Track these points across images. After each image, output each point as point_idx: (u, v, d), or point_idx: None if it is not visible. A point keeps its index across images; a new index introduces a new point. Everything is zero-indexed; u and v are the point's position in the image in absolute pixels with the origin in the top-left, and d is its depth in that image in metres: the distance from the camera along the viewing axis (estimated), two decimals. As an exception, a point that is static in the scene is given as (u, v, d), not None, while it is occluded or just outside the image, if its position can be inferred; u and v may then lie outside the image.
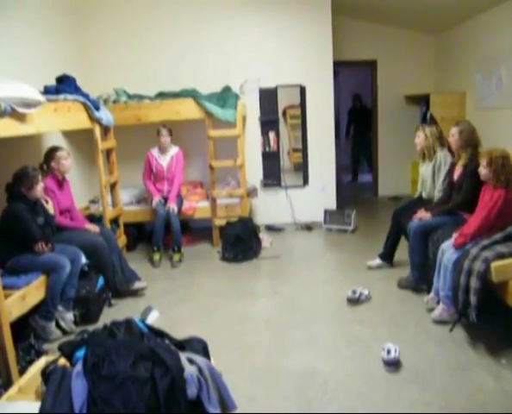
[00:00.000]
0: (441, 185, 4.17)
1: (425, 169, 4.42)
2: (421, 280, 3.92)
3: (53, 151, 4.06)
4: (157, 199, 5.16)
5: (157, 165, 5.31)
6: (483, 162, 3.29)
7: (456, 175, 3.93)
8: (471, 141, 3.81)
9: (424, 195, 4.44)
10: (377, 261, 4.57)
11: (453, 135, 3.89)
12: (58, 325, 3.56)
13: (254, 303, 4.03)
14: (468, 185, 3.73)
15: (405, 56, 7.38)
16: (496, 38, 5.49)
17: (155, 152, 5.35)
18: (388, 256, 4.56)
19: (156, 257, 5.08)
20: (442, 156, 4.24)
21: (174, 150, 5.38)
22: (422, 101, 7.08)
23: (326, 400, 2.62)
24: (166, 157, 5.33)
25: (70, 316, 3.63)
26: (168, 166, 5.32)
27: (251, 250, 5.14)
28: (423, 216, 3.92)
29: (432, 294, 3.57)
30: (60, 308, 3.57)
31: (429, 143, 4.29)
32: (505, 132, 5.31)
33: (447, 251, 3.33)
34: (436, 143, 4.28)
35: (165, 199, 5.27)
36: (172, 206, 5.09)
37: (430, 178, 4.33)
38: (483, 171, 3.30)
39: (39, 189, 3.47)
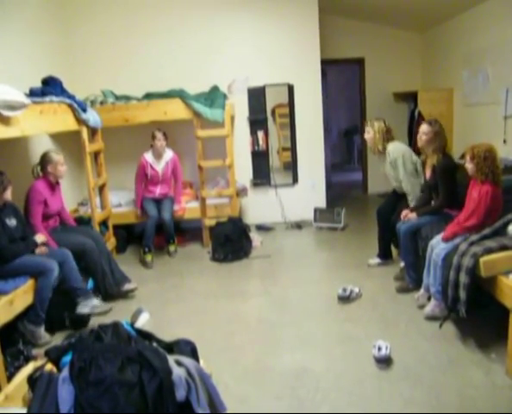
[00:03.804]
0: (406, 178, 4.13)
1: (384, 167, 4.39)
2: (418, 281, 3.86)
3: (50, 154, 4.02)
4: (139, 211, 5.34)
5: (151, 171, 5.24)
6: (467, 157, 3.31)
7: (427, 175, 3.96)
8: (442, 143, 3.81)
9: (396, 188, 4.42)
10: (376, 260, 4.59)
11: (427, 134, 3.82)
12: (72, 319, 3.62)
13: (245, 303, 4.02)
14: (442, 184, 3.76)
15: (393, 54, 7.43)
16: (482, 35, 5.53)
17: (149, 157, 5.25)
18: (384, 255, 4.57)
19: (148, 258, 5.07)
20: (393, 151, 4.18)
21: (169, 155, 5.32)
22: (410, 98, 7.11)
23: (318, 399, 2.62)
24: (161, 162, 5.27)
25: (93, 301, 3.73)
26: (163, 171, 5.28)
27: (241, 250, 5.13)
28: (409, 216, 3.91)
29: (422, 290, 3.58)
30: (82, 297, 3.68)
31: (376, 140, 4.24)
32: (492, 128, 5.35)
33: (436, 247, 3.34)
34: (381, 140, 4.21)
35: (157, 201, 5.29)
36: (181, 206, 5.47)
37: (392, 174, 4.30)
38: (468, 166, 3.31)
39: (8, 192, 3.40)
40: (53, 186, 4.10)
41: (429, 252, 3.44)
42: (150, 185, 5.33)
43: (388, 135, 4.23)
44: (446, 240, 3.30)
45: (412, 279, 3.92)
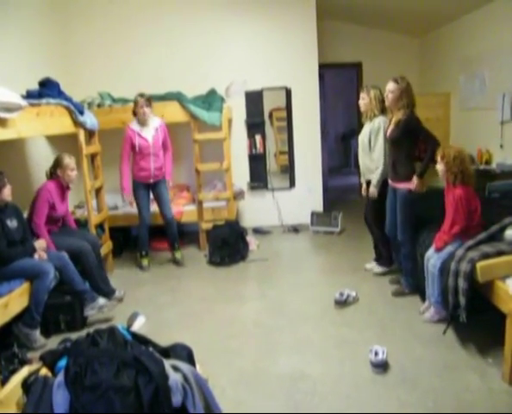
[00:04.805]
0: (381, 150, 4.06)
1: (362, 131, 4.31)
2: (414, 286, 3.87)
3: (61, 158, 4.03)
4: (129, 197, 4.82)
5: (140, 140, 4.71)
6: (438, 158, 3.33)
7: (388, 132, 3.86)
8: (409, 101, 3.69)
9: (360, 162, 4.36)
10: (374, 264, 4.57)
11: (393, 92, 3.72)
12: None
13: (242, 306, 4.00)
14: (422, 132, 3.70)
15: (390, 58, 7.43)
16: (479, 40, 5.55)
17: (135, 125, 4.75)
18: (380, 258, 4.56)
19: (145, 262, 5.04)
20: (379, 121, 4.11)
21: (157, 121, 4.84)
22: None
23: (314, 403, 2.61)
24: (150, 130, 4.76)
25: (99, 302, 3.79)
26: (154, 139, 4.76)
27: (238, 253, 5.12)
28: (416, 186, 3.67)
29: (427, 303, 3.55)
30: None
31: (372, 106, 4.17)
32: (489, 133, 5.37)
33: (432, 257, 3.34)
34: (378, 106, 4.14)
35: (152, 186, 4.89)
36: (168, 180, 4.99)
37: (367, 140, 4.22)
38: (439, 167, 3.34)
39: (6, 192, 3.41)
40: (64, 190, 4.12)
41: (426, 263, 3.43)
42: (142, 161, 4.76)
43: (382, 105, 4.12)
44: (438, 250, 3.30)
45: (408, 283, 3.92)
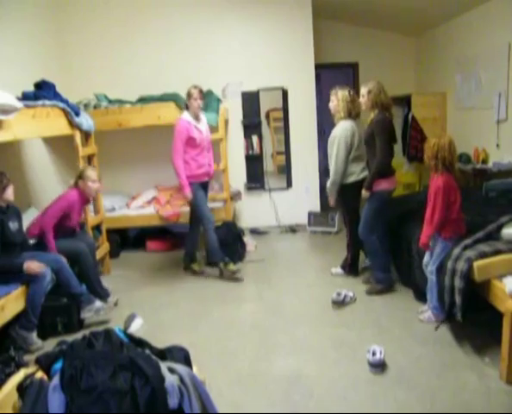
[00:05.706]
0: (334, 160, 4.02)
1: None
2: (389, 281, 3.95)
3: (84, 170, 4.08)
4: (190, 193, 4.40)
5: (198, 133, 4.44)
6: (426, 143, 3.35)
7: (364, 134, 3.94)
8: (378, 101, 3.75)
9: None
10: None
11: (363, 96, 3.84)
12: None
13: (239, 307, 3.99)
14: (378, 139, 3.71)
15: (386, 58, 7.44)
16: (475, 40, 5.56)
17: (189, 118, 4.43)
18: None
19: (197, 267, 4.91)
20: (338, 128, 4.05)
21: (204, 117, 4.71)
22: (404, 102, 7.13)
23: (312, 405, 2.60)
24: (202, 123, 4.57)
25: (96, 305, 3.76)
26: (206, 133, 4.59)
27: (235, 254, 5.10)
28: (363, 195, 3.90)
29: (426, 306, 3.54)
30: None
31: (340, 107, 4.09)
32: (485, 132, 5.38)
33: (428, 264, 3.35)
34: (345, 109, 4.06)
35: (205, 185, 4.69)
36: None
37: (328, 148, 4.18)
38: (425, 153, 3.33)
39: (10, 191, 3.41)
40: (84, 202, 4.18)
41: (425, 269, 3.43)
42: (199, 157, 4.46)
43: (351, 105, 4.05)
44: (424, 246, 3.31)
45: (378, 279, 3.98)
